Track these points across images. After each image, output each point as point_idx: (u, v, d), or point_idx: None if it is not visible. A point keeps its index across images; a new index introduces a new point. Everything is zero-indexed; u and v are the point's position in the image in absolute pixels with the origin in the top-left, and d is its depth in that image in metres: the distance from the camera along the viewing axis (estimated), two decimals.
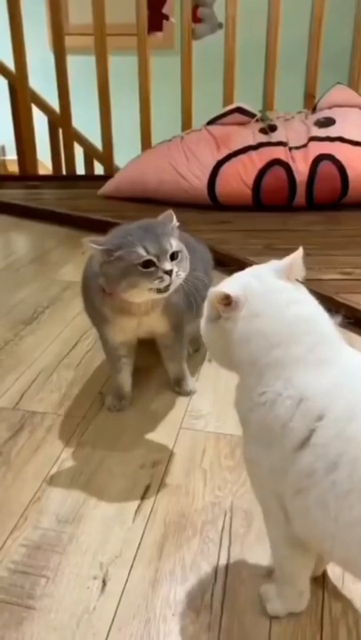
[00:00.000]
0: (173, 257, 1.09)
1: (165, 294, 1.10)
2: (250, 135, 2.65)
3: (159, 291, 1.09)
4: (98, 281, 1.17)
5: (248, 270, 0.81)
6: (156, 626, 0.82)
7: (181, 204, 2.38)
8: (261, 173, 2.54)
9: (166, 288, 1.09)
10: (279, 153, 2.56)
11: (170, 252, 1.08)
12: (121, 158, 3.08)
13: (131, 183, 2.76)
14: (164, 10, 3.16)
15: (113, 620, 0.83)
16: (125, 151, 3.00)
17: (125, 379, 1.32)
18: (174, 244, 1.10)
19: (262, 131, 2.66)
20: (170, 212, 1.17)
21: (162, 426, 1.26)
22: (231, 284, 0.76)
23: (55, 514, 1.02)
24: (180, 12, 2.95)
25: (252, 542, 0.95)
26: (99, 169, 3.66)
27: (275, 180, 2.53)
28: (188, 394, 1.36)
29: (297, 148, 2.57)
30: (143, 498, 1.05)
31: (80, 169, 3.55)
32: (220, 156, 2.60)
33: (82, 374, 1.46)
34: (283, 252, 0.79)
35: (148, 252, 1.07)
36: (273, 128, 2.66)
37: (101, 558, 0.93)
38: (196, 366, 1.46)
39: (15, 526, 0.99)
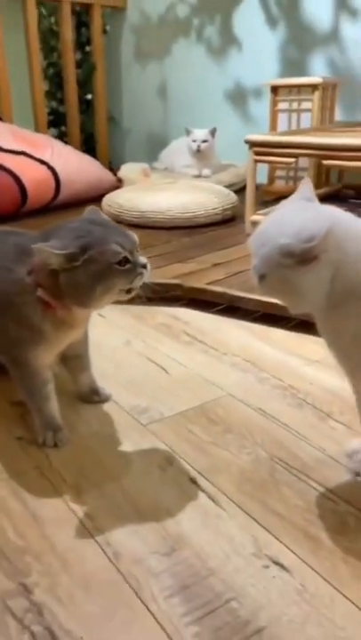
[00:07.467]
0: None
1: (131, 295, 0.99)
2: None
3: (128, 291, 0.97)
4: (34, 294, 0.96)
5: (279, 212, 0.84)
6: None
7: None
8: None
9: (136, 287, 0.97)
10: None
11: (137, 244, 0.98)
12: None
13: None
14: None
15: None
16: None
17: (55, 406, 1.10)
18: (134, 236, 0.99)
19: None
20: (94, 207, 1.03)
21: (123, 436, 1.11)
22: (301, 227, 0.76)
23: (154, 552, 0.84)
24: None
25: (329, 463, 1.02)
26: None
27: None
28: (109, 398, 1.23)
29: None
30: (199, 489, 0.96)
31: None
32: None
33: None
34: None
35: (123, 247, 0.93)
36: None
37: (264, 549, 0.84)
38: None
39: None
